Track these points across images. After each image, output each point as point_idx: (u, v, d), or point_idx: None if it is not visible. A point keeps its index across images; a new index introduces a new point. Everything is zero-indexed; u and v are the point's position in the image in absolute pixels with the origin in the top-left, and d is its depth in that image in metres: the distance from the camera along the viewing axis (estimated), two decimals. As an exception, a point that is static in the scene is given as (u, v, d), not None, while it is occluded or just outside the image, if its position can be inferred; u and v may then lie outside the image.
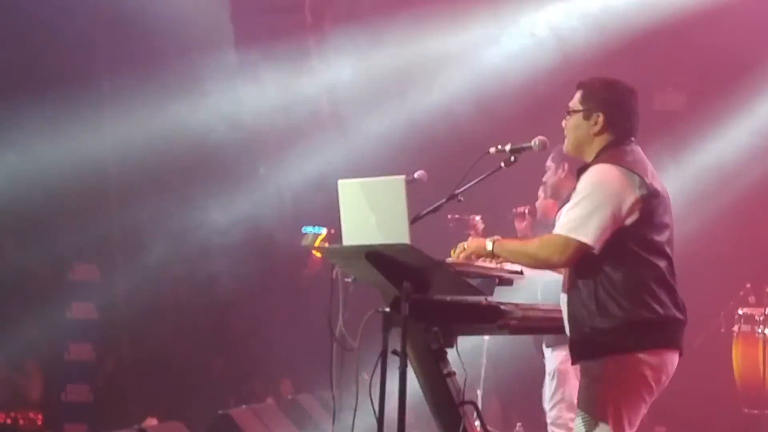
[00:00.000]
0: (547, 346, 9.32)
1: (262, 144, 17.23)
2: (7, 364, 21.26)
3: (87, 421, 16.68)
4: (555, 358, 9.20)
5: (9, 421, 19.38)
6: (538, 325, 6.96)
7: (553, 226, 7.61)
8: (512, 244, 6.70)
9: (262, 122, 17.07)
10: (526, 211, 10.13)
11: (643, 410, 6.48)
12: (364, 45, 16.78)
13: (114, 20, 16.04)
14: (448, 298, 6.55)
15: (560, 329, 6.58)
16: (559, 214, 8.11)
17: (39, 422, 18.71)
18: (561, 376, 9.18)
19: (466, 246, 6.73)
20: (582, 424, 6.39)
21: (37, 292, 21.39)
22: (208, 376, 19.10)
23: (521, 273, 6.93)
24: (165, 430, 10.04)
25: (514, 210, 10.14)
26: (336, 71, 17.18)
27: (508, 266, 6.74)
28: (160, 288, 18.50)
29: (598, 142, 6.56)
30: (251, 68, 17.00)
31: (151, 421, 10.30)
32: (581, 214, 6.28)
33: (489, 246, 6.58)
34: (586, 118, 6.58)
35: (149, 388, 18.51)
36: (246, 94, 17.23)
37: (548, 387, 9.57)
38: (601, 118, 6.55)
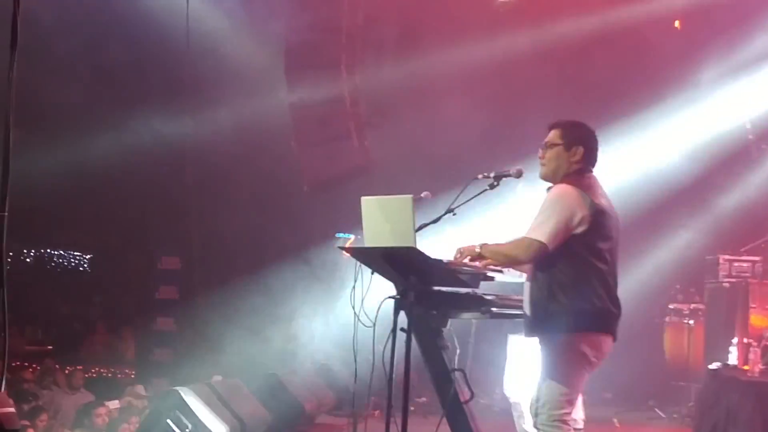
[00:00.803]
0: (527, 335, 9.23)
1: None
2: (109, 331, 21.25)
3: (169, 377, 16.60)
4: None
5: (110, 375, 19.37)
6: (512, 311, 6.88)
7: None
8: (493, 247, 6.59)
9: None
10: None
11: (585, 378, 6.46)
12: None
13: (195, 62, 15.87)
14: (444, 289, 6.48)
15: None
16: None
17: (132, 376, 18.69)
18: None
19: (461, 249, 6.66)
20: (539, 384, 6.42)
21: (134, 277, 21.38)
22: (265, 346, 19.05)
23: (501, 272, 6.90)
24: (227, 385, 9.93)
25: None
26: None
27: (491, 266, 6.67)
28: (225, 277, 18.45)
29: (571, 169, 6.56)
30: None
31: (217, 378, 10.20)
32: (541, 220, 6.31)
33: (477, 249, 6.56)
34: (567, 149, 6.57)
35: (216, 353, 18.44)
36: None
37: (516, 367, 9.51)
38: (580, 150, 6.56)
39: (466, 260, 6.58)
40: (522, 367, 9.20)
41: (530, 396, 6.62)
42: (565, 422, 6.31)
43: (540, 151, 6.70)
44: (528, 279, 6.55)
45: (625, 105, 15.08)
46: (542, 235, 6.23)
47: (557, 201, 6.35)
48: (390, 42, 17.23)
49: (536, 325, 6.43)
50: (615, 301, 6.43)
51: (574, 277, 6.31)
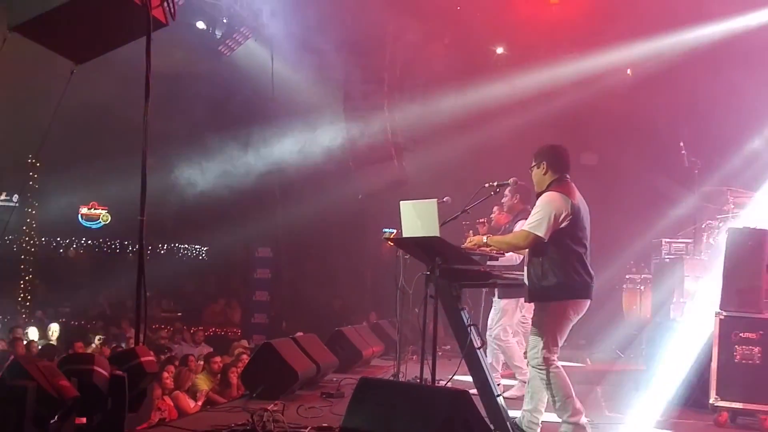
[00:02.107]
0: (498, 298, 9.21)
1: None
2: (222, 302, 21.32)
3: (265, 334, 16.64)
4: (500, 303, 9.09)
5: (222, 333, 19.42)
6: (512, 283, 6.86)
7: (503, 231, 8.66)
8: (498, 238, 6.76)
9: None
10: (485, 221, 10.02)
11: (567, 331, 6.46)
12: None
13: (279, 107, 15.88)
14: (461, 266, 6.45)
15: (523, 285, 6.55)
16: (508, 222, 9.04)
17: (239, 334, 18.73)
18: (503, 313, 9.10)
19: (472, 239, 6.69)
20: (534, 336, 6.41)
21: (238, 263, 21.50)
22: (331, 310, 19.07)
23: (503, 254, 6.89)
24: (306, 338, 9.92)
25: (477, 221, 10.00)
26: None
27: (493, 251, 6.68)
28: (303, 261, 18.50)
29: (547, 180, 6.54)
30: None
31: (299, 334, 10.18)
32: (537, 219, 6.31)
33: (485, 239, 6.64)
34: (538, 167, 6.60)
35: (299, 316, 18.47)
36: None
37: (494, 319, 9.43)
38: (544, 164, 6.56)
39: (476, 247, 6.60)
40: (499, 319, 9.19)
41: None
42: (553, 361, 6.31)
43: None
44: (526, 261, 6.52)
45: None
46: (537, 229, 6.26)
47: (546, 204, 6.33)
48: (419, 88, 17.19)
49: (534, 294, 6.42)
50: (590, 275, 6.41)
51: (561, 259, 6.30)
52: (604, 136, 16.57)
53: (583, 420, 6.33)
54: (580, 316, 6.47)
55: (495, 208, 9.88)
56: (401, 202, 6.71)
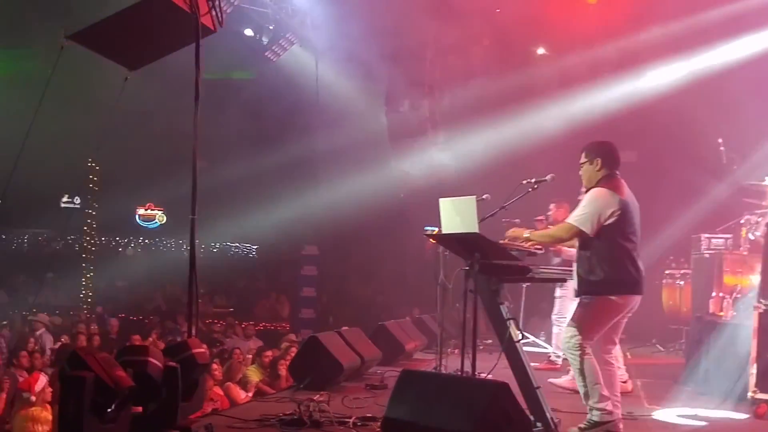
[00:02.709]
0: (559, 287, 9.30)
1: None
2: (272, 298, 21.45)
3: (312, 328, 16.70)
4: (558, 291, 9.22)
5: (272, 327, 19.52)
6: (549, 277, 6.82)
7: None
8: (540, 232, 6.78)
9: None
10: (543, 218, 9.99)
11: (607, 326, 6.39)
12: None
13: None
14: (500, 261, 6.41)
15: (561, 281, 6.52)
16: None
17: (288, 328, 18.81)
18: (560, 300, 9.20)
19: (512, 234, 6.66)
20: (573, 325, 6.35)
21: (286, 260, 21.62)
22: (375, 305, 19.09)
23: (541, 250, 6.85)
24: (351, 332, 9.96)
25: (536, 218, 9.96)
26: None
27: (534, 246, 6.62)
28: (348, 259, 18.56)
29: (598, 176, 6.47)
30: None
31: (344, 328, 10.20)
32: (581, 213, 6.29)
33: (526, 234, 6.59)
34: (590, 163, 6.51)
35: (344, 311, 18.54)
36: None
37: (556, 305, 9.62)
38: (598, 160, 6.48)
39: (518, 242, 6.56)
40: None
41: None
42: (585, 348, 6.24)
43: (580, 170, 6.65)
44: (576, 257, 6.47)
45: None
46: (581, 223, 6.23)
47: (594, 199, 6.29)
48: (458, 89, 17.14)
49: (583, 289, 6.36)
50: (639, 270, 6.34)
51: (609, 254, 6.24)
52: (643, 134, 16.36)
53: (610, 406, 6.25)
54: (629, 311, 6.42)
55: (552, 205, 9.84)
56: (441, 200, 6.66)
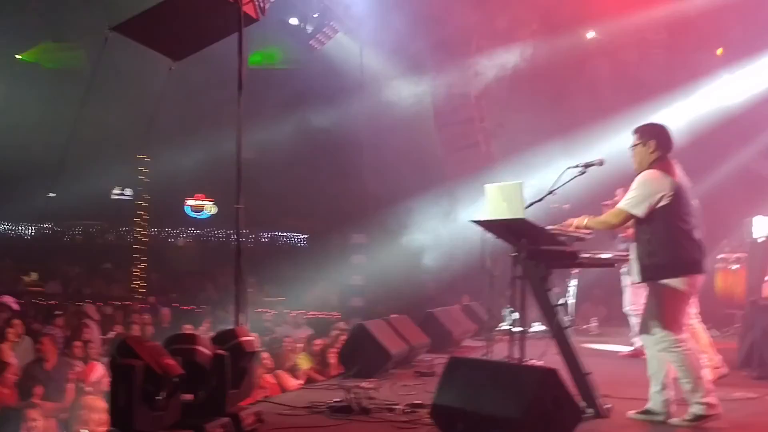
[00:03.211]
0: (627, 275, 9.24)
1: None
2: (321, 287, 21.53)
3: (362, 316, 16.70)
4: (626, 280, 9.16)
5: (322, 316, 19.60)
6: (597, 263, 6.72)
7: None
8: (595, 219, 6.52)
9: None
10: (610, 203, 9.88)
11: (685, 308, 6.31)
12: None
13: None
14: (547, 247, 6.35)
15: (610, 266, 6.44)
16: None
17: (339, 317, 18.84)
18: (633, 289, 9.25)
19: (571, 221, 6.56)
20: (654, 319, 6.23)
21: (335, 249, 21.68)
22: (423, 293, 19.07)
23: (591, 235, 6.74)
24: (399, 320, 9.96)
25: (603, 203, 9.87)
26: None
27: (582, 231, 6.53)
28: (396, 249, 18.55)
29: (651, 158, 6.35)
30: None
31: (393, 316, 10.20)
32: (631, 196, 6.21)
33: (585, 221, 6.47)
34: (644, 145, 6.39)
35: (392, 298, 18.54)
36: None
37: (627, 294, 9.63)
38: (653, 142, 6.36)
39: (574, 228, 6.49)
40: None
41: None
42: (682, 341, 6.13)
43: (630, 151, 6.54)
44: (632, 242, 6.38)
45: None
46: (632, 207, 6.15)
47: (644, 182, 6.20)
48: (506, 79, 17.01)
49: (645, 274, 6.26)
50: (701, 249, 6.23)
51: (667, 236, 6.14)
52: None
53: (715, 399, 6.15)
54: (695, 290, 6.33)
55: (618, 190, 9.75)
56: (486, 186, 6.62)
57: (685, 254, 6.16)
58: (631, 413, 6.33)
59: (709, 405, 6.09)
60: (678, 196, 6.18)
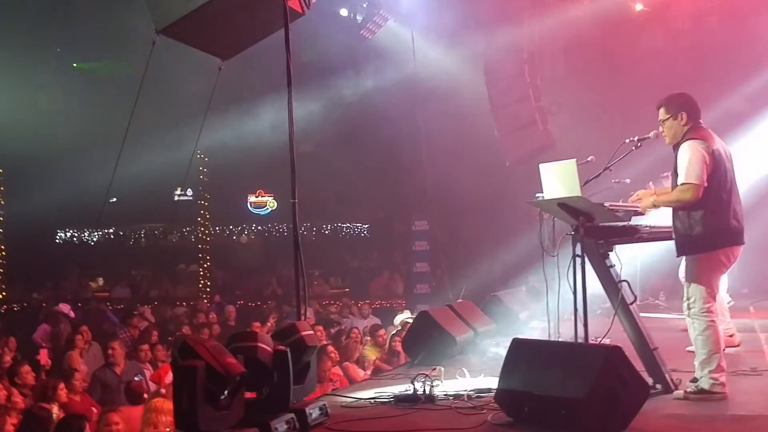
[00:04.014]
0: None
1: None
2: (385, 276, 21.60)
3: (428, 303, 16.75)
4: None
5: (387, 305, 19.66)
6: (658, 237, 6.61)
7: None
8: (663, 197, 6.38)
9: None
10: (668, 174, 9.67)
11: (720, 279, 6.32)
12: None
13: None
14: (606, 223, 6.28)
15: (671, 238, 6.31)
16: None
17: (403, 304, 18.89)
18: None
19: (640, 194, 6.53)
20: (689, 288, 6.18)
21: (397, 237, 21.73)
22: (492, 276, 18.99)
23: (642, 213, 6.63)
24: (462, 305, 10.00)
25: (662, 175, 9.67)
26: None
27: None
28: (460, 232, 18.52)
29: (684, 130, 6.27)
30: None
31: (458, 301, 10.19)
32: (690, 168, 6.03)
33: (652, 200, 6.37)
34: (674, 117, 6.30)
35: (460, 284, 18.49)
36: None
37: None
38: (683, 114, 6.27)
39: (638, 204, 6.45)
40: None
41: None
42: (711, 312, 6.09)
43: (660, 127, 6.45)
44: (673, 215, 6.27)
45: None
46: (695, 177, 6.00)
47: (689, 151, 6.07)
48: (559, 56, 16.85)
49: (685, 248, 6.19)
50: (739, 219, 6.15)
51: (707, 207, 6.04)
52: (753, 82, 15.74)
53: (724, 378, 6.07)
54: (733, 261, 6.23)
55: None
56: (541, 165, 6.59)
57: (726, 225, 6.09)
58: (679, 393, 6.24)
59: (717, 382, 6.02)
60: (718, 163, 6.09)
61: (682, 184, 6.13)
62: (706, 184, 6.00)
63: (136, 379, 9.98)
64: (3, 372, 9.78)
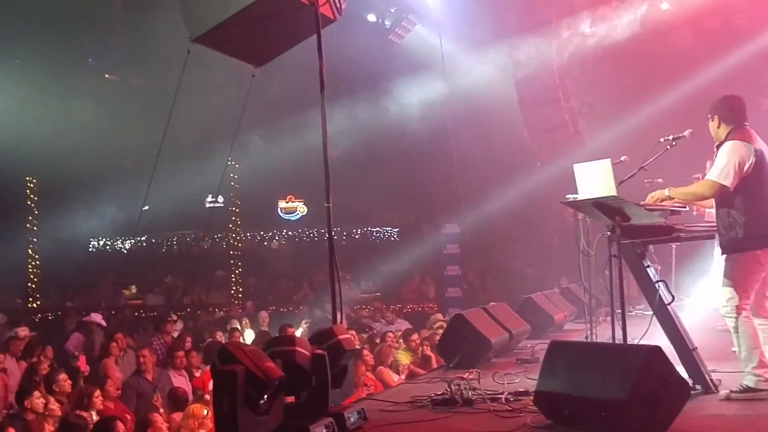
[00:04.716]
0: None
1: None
2: (417, 279, 21.57)
3: (460, 306, 16.73)
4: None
5: (419, 309, 19.65)
6: (696, 236, 6.59)
7: None
8: (681, 189, 6.46)
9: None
10: (700, 176, 9.63)
11: (759, 281, 6.16)
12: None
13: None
14: (642, 222, 6.25)
15: (710, 238, 6.29)
16: None
17: (435, 308, 18.87)
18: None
19: (653, 194, 6.46)
20: (726, 287, 6.16)
21: (428, 241, 21.69)
22: (524, 278, 18.95)
23: (685, 207, 6.64)
24: (497, 307, 9.93)
25: (693, 176, 9.63)
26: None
27: (676, 204, 6.48)
28: (490, 235, 18.48)
29: (723, 131, 6.29)
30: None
31: (491, 304, 10.15)
32: (721, 167, 6.09)
33: (667, 192, 6.39)
34: (711, 120, 6.37)
35: (490, 287, 18.49)
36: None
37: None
38: (717, 117, 6.33)
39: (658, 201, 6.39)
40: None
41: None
42: (744, 309, 6.07)
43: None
44: (715, 214, 6.29)
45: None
46: (723, 178, 6.05)
47: (727, 152, 6.10)
48: (589, 57, 16.76)
49: (727, 247, 6.18)
50: None
51: (748, 207, 6.06)
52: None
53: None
54: None
55: (708, 162, 9.51)
56: (575, 165, 6.58)
57: (763, 226, 6.06)
58: (725, 392, 6.18)
59: (762, 379, 5.97)
60: (760, 164, 6.08)
61: (706, 179, 6.23)
62: (731, 188, 6.02)
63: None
64: (40, 380, 9.88)
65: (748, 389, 6.01)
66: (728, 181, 6.02)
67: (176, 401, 9.38)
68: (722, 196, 6.13)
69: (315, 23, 6.80)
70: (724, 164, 6.06)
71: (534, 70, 16.21)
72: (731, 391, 6.08)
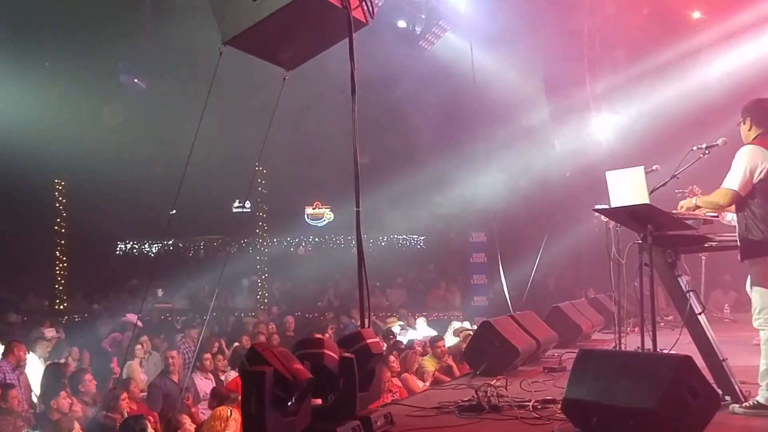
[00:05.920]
0: None
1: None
2: (443, 287, 21.55)
3: (486, 315, 16.62)
4: None
5: (444, 317, 19.61)
6: (728, 245, 6.55)
7: None
8: (704, 198, 6.45)
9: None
10: None
11: None
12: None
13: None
14: (674, 232, 6.22)
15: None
16: None
17: (461, 316, 18.83)
18: None
19: (682, 203, 6.45)
20: (755, 296, 6.10)
21: (454, 249, 21.71)
22: (549, 287, 18.88)
23: (718, 216, 6.61)
24: (525, 315, 9.96)
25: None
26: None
27: (709, 213, 6.47)
28: (517, 244, 18.37)
29: (752, 135, 6.26)
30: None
31: (518, 312, 10.16)
32: (734, 174, 6.08)
33: (694, 201, 6.42)
34: (743, 123, 6.33)
35: (518, 296, 18.43)
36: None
37: None
38: (749, 120, 6.29)
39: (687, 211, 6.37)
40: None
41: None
42: None
43: None
44: (736, 220, 6.24)
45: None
46: (733, 184, 6.04)
47: (741, 158, 6.09)
48: (618, 60, 16.71)
49: (745, 252, 6.12)
50: None
51: (762, 212, 6.01)
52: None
53: None
54: None
55: None
56: (607, 173, 6.58)
57: None
58: (734, 407, 6.13)
59: None
60: None
61: (721, 187, 6.20)
62: (743, 194, 6.01)
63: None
64: (67, 381, 9.98)
65: (758, 405, 5.97)
66: (735, 186, 6.01)
67: (217, 398, 9.45)
68: (738, 202, 6.10)
69: (347, 27, 6.81)
70: (736, 170, 6.06)
71: (564, 77, 16.19)
72: (738, 405, 6.04)
